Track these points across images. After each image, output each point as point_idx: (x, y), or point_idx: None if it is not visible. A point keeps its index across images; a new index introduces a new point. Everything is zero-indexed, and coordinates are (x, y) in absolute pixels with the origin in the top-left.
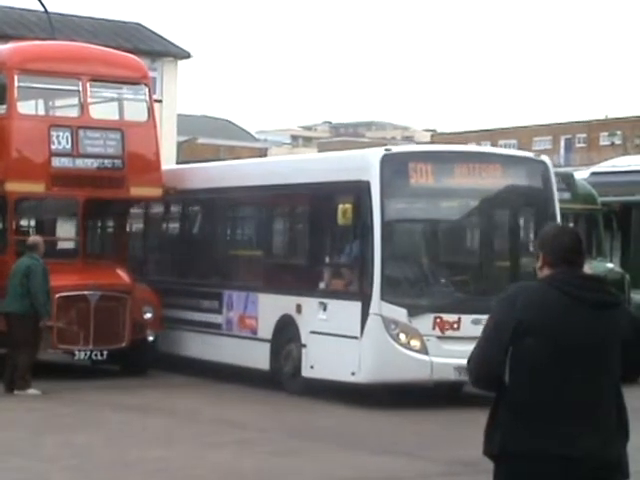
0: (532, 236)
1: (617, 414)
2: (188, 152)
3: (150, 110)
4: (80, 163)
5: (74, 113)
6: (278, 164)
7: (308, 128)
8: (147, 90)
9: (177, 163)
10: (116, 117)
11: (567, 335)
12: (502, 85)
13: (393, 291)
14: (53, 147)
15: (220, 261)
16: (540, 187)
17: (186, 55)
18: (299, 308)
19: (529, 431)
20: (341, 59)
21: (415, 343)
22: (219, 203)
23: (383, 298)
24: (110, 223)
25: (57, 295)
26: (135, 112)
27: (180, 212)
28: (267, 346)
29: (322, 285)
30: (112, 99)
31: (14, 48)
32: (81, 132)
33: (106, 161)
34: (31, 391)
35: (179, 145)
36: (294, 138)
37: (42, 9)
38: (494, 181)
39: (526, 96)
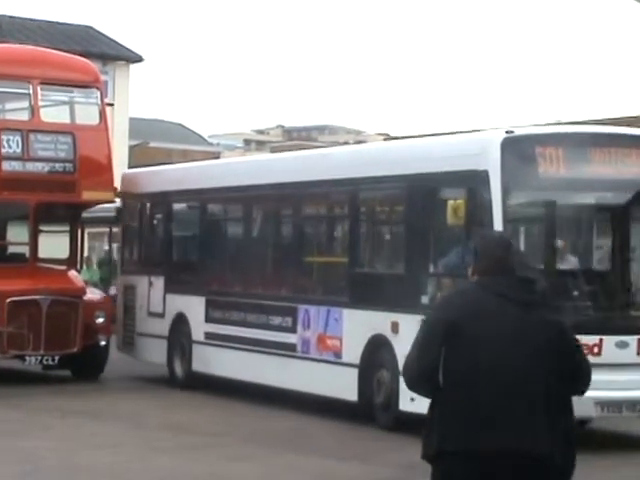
0: None
1: (555, 415)
2: (140, 156)
3: (102, 113)
4: (31, 167)
5: (24, 116)
6: (367, 152)
7: (261, 132)
8: (99, 93)
9: (129, 167)
10: (67, 121)
11: (496, 334)
12: (454, 88)
13: None
14: (3, 151)
15: (295, 270)
16: None
17: (138, 59)
18: (395, 327)
19: (462, 431)
20: (294, 63)
21: None
22: (292, 200)
23: None
24: (62, 227)
25: (8, 300)
26: (87, 116)
27: (242, 212)
28: (354, 372)
29: (425, 299)
30: (63, 102)
31: None
32: (32, 136)
33: (57, 165)
34: None
35: (131, 149)
36: (247, 142)
37: None
38: (638, 169)
39: (477, 99)
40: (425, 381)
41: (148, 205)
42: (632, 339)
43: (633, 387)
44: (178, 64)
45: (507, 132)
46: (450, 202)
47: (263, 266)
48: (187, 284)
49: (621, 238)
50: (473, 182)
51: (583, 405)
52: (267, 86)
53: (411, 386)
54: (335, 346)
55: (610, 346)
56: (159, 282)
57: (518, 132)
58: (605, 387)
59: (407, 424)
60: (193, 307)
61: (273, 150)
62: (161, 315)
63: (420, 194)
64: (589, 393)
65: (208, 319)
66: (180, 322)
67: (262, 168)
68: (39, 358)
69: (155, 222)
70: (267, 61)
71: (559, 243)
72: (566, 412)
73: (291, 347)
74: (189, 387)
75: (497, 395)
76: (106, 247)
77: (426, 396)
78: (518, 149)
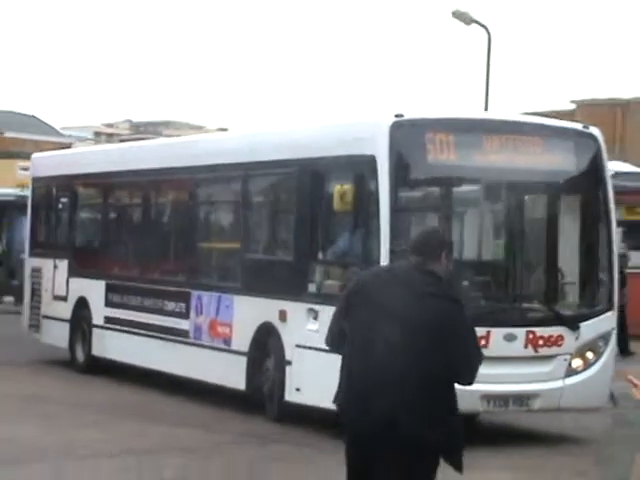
0: (579, 227)
1: (433, 396)
2: None
3: None
4: None
5: None
6: (256, 137)
7: (110, 125)
8: None
9: None
10: None
11: (382, 315)
12: (297, 81)
13: None
14: None
15: (189, 256)
16: (589, 166)
17: None
18: (283, 315)
19: (343, 394)
20: (140, 60)
21: None
22: (186, 185)
23: None
24: None
25: None
26: None
27: (141, 197)
28: (243, 360)
29: (312, 287)
30: None
31: None
32: None
33: None
34: None
35: None
36: (97, 134)
37: None
38: (532, 158)
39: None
40: (333, 345)
41: (54, 189)
42: (520, 332)
43: (520, 380)
44: (31, 57)
45: (396, 116)
46: (337, 188)
47: (159, 251)
48: (89, 268)
49: (513, 227)
50: (361, 167)
51: (469, 399)
52: (116, 81)
53: (327, 347)
54: (225, 333)
55: (498, 338)
56: (63, 265)
57: (408, 116)
58: (492, 380)
59: (293, 415)
60: (94, 291)
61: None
62: (64, 298)
63: (308, 179)
64: (475, 386)
65: (108, 303)
66: (82, 306)
67: (158, 152)
68: None
69: (60, 206)
70: (117, 57)
71: (449, 232)
72: (446, 395)
73: (184, 333)
74: (89, 371)
75: (368, 372)
76: None
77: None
78: (407, 134)
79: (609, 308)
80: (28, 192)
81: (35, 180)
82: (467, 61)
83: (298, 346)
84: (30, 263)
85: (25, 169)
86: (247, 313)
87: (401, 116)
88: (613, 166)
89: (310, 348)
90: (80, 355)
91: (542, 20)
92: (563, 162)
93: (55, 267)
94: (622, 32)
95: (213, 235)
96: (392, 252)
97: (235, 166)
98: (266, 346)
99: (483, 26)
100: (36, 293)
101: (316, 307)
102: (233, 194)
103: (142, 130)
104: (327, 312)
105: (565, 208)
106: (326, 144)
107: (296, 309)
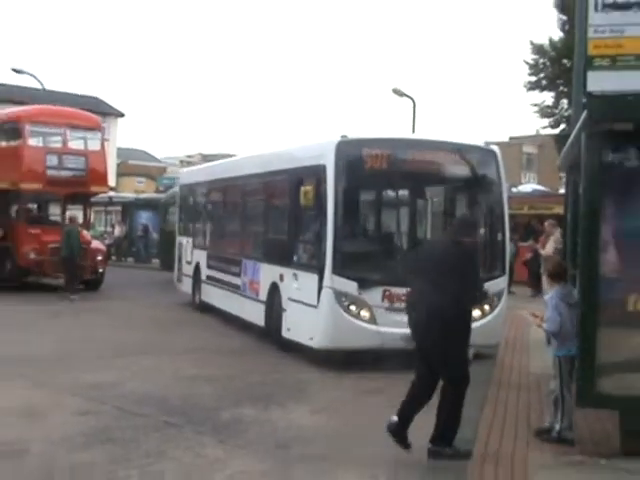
0: (482, 217)
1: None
2: (123, 168)
3: (102, 144)
4: (63, 173)
5: (60, 145)
6: (265, 155)
7: (190, 156)
8: (100, 134)
9: (117, 175)
10: (82, 148)
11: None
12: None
13: (344, 266)
14: (47, 164)
15: (241, 236)
16: (488, 174)
17: (122, 114)
18: (282, 277)
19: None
20: (207, 111)
21: (365, 314)
22: (231, 190)
23: (334, 272)
24: (79, 206)
25: (49, 246)
26: (93, 145)
27: (220, 197)
28: (263, 307)
29: (295, 258)
30: (81, 138)
31: (25, 109)
32: (64, 156)
33: (77, 172)
34: (72, 297)
35: (118, 164)
36: (181, 162)
37: (40, 87)
38: (446, 167)
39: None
40: None
41: (187, 192)
42: None
43: None
44: (145, 115)
45: (342, 136)
46: (302, 188)
47: (228, 233)
48: (200, 243)
49: (431, 217)
50: (317, 174)
51: (392, 338)
52: (192, 125)
53: None
54: (256, 288)
55: None
56: (190, 241)
57: (350, 137)
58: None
59: (288, 344)
60: (202, 258)
61: None
62: (190, 263)
63: (292, 183)
64: (397, 330)
65: (208, 266)
66: (198, 268)
67: (219, 168)
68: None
69: (190, 202)
70: (190, 109)
71: (380, 220)
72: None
73: (238, 287)
74: (200, 310)
75: (416, 289)
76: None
77: None
78: (349, 149)
79: (502, 274)
80: (141, 196)
81: (180, 186)
82: (400, 116)
83: (289, 299)
84: (178, 240)
85: (140, 182)
86: (266, 275)
87: (345, 136)
88: None
89: (294, 300)
90: (197, 299)
91: (445, 91)
92: (471, 169)
93: (187, 242)
94: (486, 94)
95: (252, 223)
96: (335, 234)
97: (256, 175)
98: (275, 298)
99: (410, 97)
100: (180, 259)
101: (296, 272)
102: (257, 195)
103: (209, 159)
104: (302, 276)
105: (472, 202)
106: (300, 157)
107: (288, 273)
